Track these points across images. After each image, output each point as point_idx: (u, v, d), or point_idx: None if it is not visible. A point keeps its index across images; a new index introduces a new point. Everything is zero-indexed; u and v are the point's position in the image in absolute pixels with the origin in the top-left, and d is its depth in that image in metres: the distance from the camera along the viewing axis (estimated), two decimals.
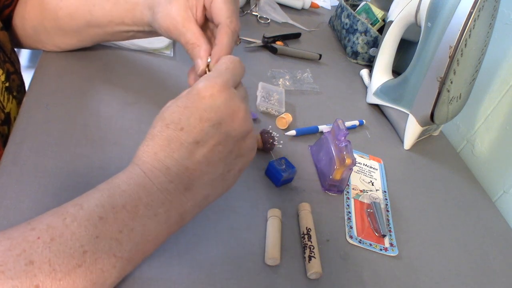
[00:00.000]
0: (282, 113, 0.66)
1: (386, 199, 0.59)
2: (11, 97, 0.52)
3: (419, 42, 0.70)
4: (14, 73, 0.55)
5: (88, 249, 0.30)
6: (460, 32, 0.60)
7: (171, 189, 0.34)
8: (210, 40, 0.48)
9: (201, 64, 0.43)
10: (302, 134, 0.65)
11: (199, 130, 0.34)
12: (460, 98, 0.68)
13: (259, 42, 0.85)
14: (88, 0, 0.53)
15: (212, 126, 0.34)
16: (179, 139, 0.34)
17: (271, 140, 0.56)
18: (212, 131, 0.34)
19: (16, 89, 0.55)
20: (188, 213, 0.36)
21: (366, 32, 0.92)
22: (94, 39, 0.58)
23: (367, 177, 0.62)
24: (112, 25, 0.54)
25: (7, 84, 0.52)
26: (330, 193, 0.56)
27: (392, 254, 0.51)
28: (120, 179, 0.34)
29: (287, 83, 0.75)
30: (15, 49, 0.58)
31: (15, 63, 0.56)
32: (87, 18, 0.54)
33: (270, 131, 0.57)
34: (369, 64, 0.96)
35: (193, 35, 0.44)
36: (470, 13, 0.59)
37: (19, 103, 0.54)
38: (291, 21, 1.02)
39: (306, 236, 0.47)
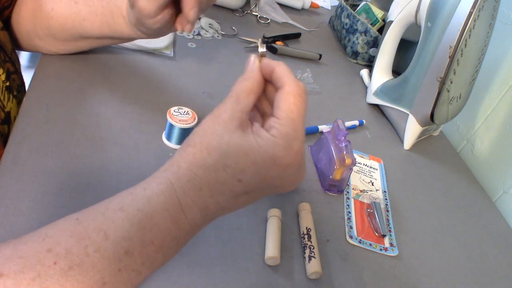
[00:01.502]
0: None
1: (386, 199, 0.59)
2: (11, 96, 0.53)
3: (419, 42, 0.70)
4: (14, 72, 0.55)
5: (108, 280, 0.28)
6: (460, 32, 0.60)
7: (199, 223, 0.33)
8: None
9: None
10: None
11: (255, 186, 0.32)
12: (460, 98, 0.68)
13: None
14: (77, 13, 0.53)
15: (269, 187, 0.32)
16: (232, 187, 0.31)
17: None
18: (266, 189, 0.33)
19: (17, 89, 0.55)
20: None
21: (366, 32, 0.92)
22: (90, 46, 0.58)
23: (367, 177, 0.62)
24: (106, 38, 0.55)
25: (7, 84, 0.52)
26: (330, 193, 0.56)
27: (392, 254, 0.51)
28: (153, 208, 0.31)
29: None
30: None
31: (16, 62, 0.56)
32: (79, 30, 0.54)
33: None
34: (369, 64, 0.96)
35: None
36: (470, 13, 0.59)
37: (19, 102, 0.54)
38: (291, 21, 1.02)
39: (306, 236, 0.47)
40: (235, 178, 0.31)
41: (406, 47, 0.89)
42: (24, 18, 0.55)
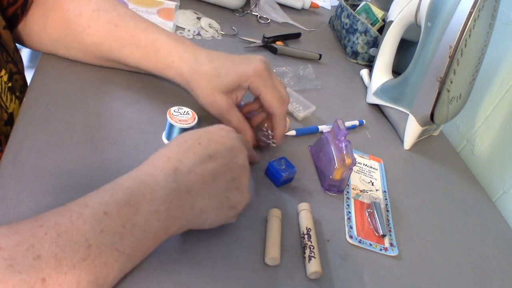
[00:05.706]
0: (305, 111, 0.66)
1: (386, 199, 0.59)
2: (14, 97, 0.52)
3: (419, 42, 0.70)
4: (17, 73, 0.54)
5: (92, 243, 0.31)
6: (460, 32, 0.60)
7: (174, 187, 0.36)
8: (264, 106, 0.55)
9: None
10: (302, 134, 0.65)
11: (214, 148, 0.40)
12: (460, 98, 0.68)
13: (259, 42, 0.85)
14: (117, 38, 0.53)
15: (225, 148, 0.41)
16: (196, 150, 0.39)
17: (263, 138, 0.56)
18: (224, 152, 0.41)
19: (19, 89, 0.54)
20: (185, 219, 0.37)
21: (366, 32, 0.92)
22: (121, 67, 0.59)
23: (367, 177, 0.62)
24: (140, 70, 0.57)
25: (9, 85, 0.52)
26: (330, 193, 0.56)
27: (392, 254, 0.51)
28: (123, 179, 0.36)
29: (291, 83, 0.76)
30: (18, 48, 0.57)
31: (18, 63, 0.56)
32: (115, 55, 0.54)
33: (265, 129, 0.56)
34: (369, 64, 0.96)
35: (237, 122, 0.53)
36: (470, 13, 0.59)
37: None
38: (291, 21, 1.02)
39: (306, 236, 0.47)
40: (196, 143, 0.40)
41: (406, 47, 0.89)
42: (52, 26, 0.54)
